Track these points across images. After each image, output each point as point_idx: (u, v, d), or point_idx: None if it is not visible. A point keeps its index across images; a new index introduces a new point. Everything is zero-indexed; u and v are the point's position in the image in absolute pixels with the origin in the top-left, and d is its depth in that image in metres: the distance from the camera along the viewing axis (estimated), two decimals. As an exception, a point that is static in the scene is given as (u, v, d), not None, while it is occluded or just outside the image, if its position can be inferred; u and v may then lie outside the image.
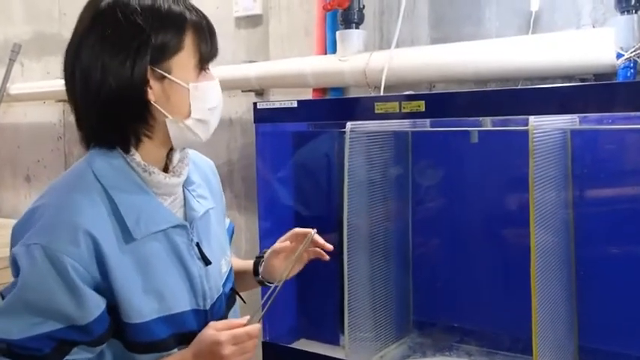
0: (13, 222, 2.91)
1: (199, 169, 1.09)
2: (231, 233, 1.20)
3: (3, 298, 0.91)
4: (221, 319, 1.03)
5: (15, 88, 2.92)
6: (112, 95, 0.89)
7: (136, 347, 0.93)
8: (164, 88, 0.92)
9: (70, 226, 0.87)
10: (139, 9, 0.90)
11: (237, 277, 1.17)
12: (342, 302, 1.51)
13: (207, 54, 0.96)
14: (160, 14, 0.91)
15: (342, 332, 1.56)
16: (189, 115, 0.94)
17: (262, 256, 1.18)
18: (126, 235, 0.91)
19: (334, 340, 1.65)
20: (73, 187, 0.92)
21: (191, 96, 0.93)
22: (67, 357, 0.89)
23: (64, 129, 2.97)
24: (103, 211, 0.90)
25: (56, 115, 2.99)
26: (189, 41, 0.93)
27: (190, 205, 1.01)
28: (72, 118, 2.98)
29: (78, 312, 0.87)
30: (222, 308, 1.04)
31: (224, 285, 1.06)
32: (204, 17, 0.97)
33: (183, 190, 1.02)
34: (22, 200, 3.20)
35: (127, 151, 0.94)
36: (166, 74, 0.91)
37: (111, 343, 0.93)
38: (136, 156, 0.94)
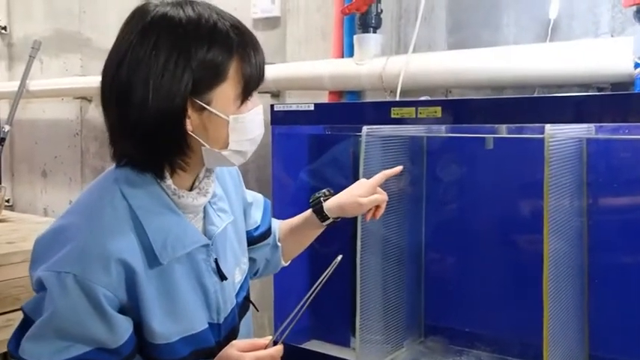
0: (28, 217, 2.93)
1: (217, 174, 1.05)
2: (266, 208, 1.20)
3: (25, 314, 0.91)
4: (233, 329, 1.03)
5: (34, 84, 2.96)
6: (150, 118, 0.84)
7: None
8: (203, 118, 0.87)
9: (101, 254, 0.85)
10: (186, 31, 0.85)
11: (296, 231, 1.21)
12: (354, 304, 1.52)
13: (252, 82, 0.90)
14: (207, 39, 0.85)
15: (353, 334, 1.57)
16: (226, 146, 0.90)
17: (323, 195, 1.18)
18: (151, 259, 0.89)
19: (345, 342, 1.65)
20: (101, 209, 0.89)
21: (230, 128, 0.88)
22: None
23: (81, 126, 3.00)
24: (130, 235, 0.88)
25: (74, 111, 3.03)
26: (233, 70, 0.87)
27: (211, 220, 0.99)
28: (89, 116, 3.01)
29: (109, 337, 0.87)
30: (234, 320, 1.04)
31: (237, 295, 1.04)
32: (249, 35, 0.90)
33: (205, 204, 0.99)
34: (38, 195, 3.24)
35: (160, 177, 0.91)
36: (206, 106, 0.86)
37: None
38: (169, 181, 0.91)
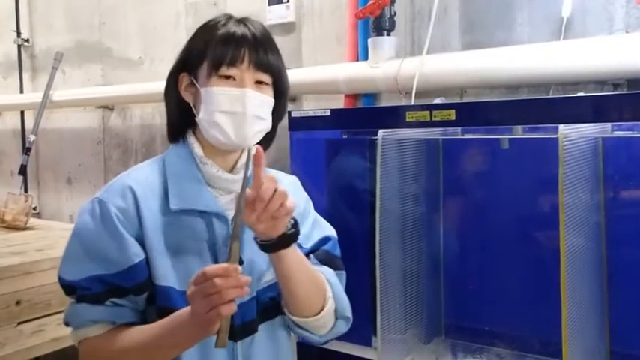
0: (55, 224, 3.03)
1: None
2: (321, 244, 1.16)
3: None
4: (249, 324, 1.06)
5: (57, 94, 3.03)
6: (165, 91, 1.10)
7: (162, 313, 0.99)
8: (196, 92, 1.05)
9: (121, 185, 1.03)
10: (198, 30, 1.08)
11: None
12: (375, 304, 1.54)
13: (219, 59, 1.02)
14: (199, 31, 1.07)
15: (375, 334, 1.59)
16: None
17: None
18: (166, 207, 1.02)
19: (366, 342, 1.67)
20: (143, 164, 1.10)
21: (202, 98, 1.03)
22: (116, 299, 1.00)
23: (104, 134, 3.07)
24: (155, 182, 1.04)
25: (96, 120, 3.10)
26: (210, 51, 1.03)
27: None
28: (111, 124, 3.07)
29: (120, 256, 0.98)
30: (251, 312, 1.06)
31: (263, 292, 1.08)
32: (239, 31, 1.03)
33: None
34: (63, 203, 3.31)
35: (190, 146, 1.07)
36: (194, 80, 1.05)
37: (150, 310, 1.02)
38: (197, 149, 1.06)
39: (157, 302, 1.01)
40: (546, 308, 1.36)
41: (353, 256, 1.68)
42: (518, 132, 1.43)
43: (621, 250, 1.43)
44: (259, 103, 1.04)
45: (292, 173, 1.69)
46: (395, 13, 1.85)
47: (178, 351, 0.98)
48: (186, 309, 0.92)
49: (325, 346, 1.68)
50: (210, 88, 1.02)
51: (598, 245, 1.43)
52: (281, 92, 1.10)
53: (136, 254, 0.99)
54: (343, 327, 1.15)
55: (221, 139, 1.03)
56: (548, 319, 1.32)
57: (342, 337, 1.73)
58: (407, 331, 1.62)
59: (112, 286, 1.00)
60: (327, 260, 1.16)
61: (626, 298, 1.43)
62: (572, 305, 1.23)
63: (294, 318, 1.07)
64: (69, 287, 1.02)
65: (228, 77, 1.02)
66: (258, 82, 1.04)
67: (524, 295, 1.57)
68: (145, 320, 1.02)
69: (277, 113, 1.11)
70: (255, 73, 1.03)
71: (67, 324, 1.05)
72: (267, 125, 1.08)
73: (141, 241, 1.00)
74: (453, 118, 1.29)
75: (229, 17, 1.06)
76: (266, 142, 1.14)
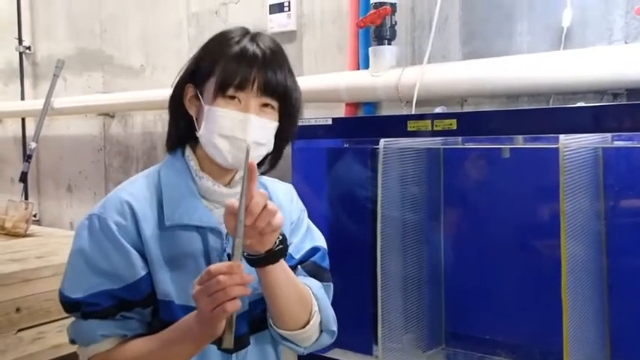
0: (55, 231, 3.01)
1: (274, 196, 1.12)
2: (310, 255, 1.13)
3: None
4: (244, 335, 1.05)
5: (58, 102, 3.03)
6: (170, 100, 1.08)
7: (164, 327, 0.99)
8: (200, 107, 1.02)
9: (118, 200, 1.02)
10: (209, 42, 1.06)
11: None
12: (376, 313, 1.54)
13: (227, 80, 0.98)
14: (211, 44, 1.05)
15: (376, 342, 1.60)
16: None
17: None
18: (162, 221, 1.01)
19: (367, 351, 1.68)
20: (138, 177, 1.08)
21: (204, 116, 1.01)
22: (125, 313, 0.99)
23: (105, 141, 3.07)
24: (150, 197, 1.03)
25: (97, 127, 3.10)
26: (219, 69, 1.00)
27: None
28: (112, 131, 3.05)
29: (126, 269, 0.98)
30: (244, 325, 1.05)
31: (254, 304, 1.06)
32: (251, 51, 0.99)
33: None
34: (63, 210, 3.31)
35: (187, 159, 1.06)
36: (199, 94, 1.03)
37: (154, 322, 1.02)
38: (193, 162, 1.05)
39: (159, 316, 1.01)
40: (547, 317, 1.36)
41: (354, 264, 1.69)
42: (519, 141, 1.44)
43: (622, 260, 1.43)
44: (261, 128, 1.01)
45: (293, 182, 1.70)
46: (396, 23, 1.86)
47: (185, 357, 0.97)
48: (192, 313, 0.93)
49: (326, 354, 1.68)
50: (213, 108, 0.99)
51: (599, 254, 1.43)
52: (289, 114, 1.06)
53: (142, 267, 0.99)
54: (327, 340, 1.13)
55: (218, 160, 1.02)
56: (549, 328, 1.32)
57: (344, 346, 1.74)
58: (407, 340, 1.62)
59: (121, 300, 0.99)
60: (314, 272, 1.13)
61: (627, 308, 1.43)
62: (574, 314, 1.23)
63: (280, 331, 1.05)
64: (72, 305, 1.00)
65: (233, 97, 0.99)
66: (264, 105, 1.01)
67: (525, 304, 1.57)
68: (151, 332, 1.02)
69: (283, 135, 1.07)
70: (261, 98, 1.00)
71: (72, 342, 1.04)
72: (266, 149, 1.05)
73: (142, 255, 1.00)
74: (455, 127, 1.30)
75: (244, 34, 1.03)
76: (271, 163, 1.12)
